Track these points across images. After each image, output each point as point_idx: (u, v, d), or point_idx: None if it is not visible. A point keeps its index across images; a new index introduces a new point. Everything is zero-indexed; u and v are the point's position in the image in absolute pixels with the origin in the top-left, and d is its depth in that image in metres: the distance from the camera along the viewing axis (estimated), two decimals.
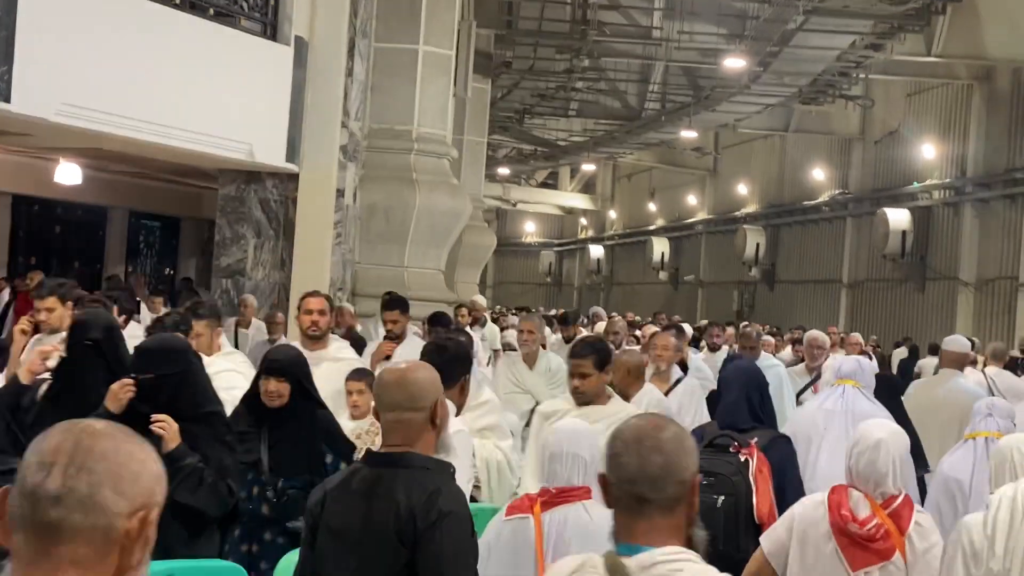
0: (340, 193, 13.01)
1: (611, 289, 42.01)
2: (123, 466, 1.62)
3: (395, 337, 7.98)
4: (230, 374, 5.63)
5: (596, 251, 42.31)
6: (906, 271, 23.96)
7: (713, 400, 7.19)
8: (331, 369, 6.11)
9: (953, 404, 7.29)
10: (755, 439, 4.81)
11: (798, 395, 8.43)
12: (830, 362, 8.14)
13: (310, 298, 6.68)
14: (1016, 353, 16.22)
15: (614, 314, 19.23)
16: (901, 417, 6.57)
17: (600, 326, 12.20)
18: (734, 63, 19.10)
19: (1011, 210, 21.31)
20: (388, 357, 7.60)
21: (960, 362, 8.20)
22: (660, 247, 36.43)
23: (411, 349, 7.69)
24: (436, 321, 10.35)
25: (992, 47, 19.92)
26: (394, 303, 8.27)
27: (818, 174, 27.84)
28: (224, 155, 11.77)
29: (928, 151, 23.43)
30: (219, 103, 11.38)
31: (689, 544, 2.34)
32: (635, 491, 2.31)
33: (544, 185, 43.20)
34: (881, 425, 4.17)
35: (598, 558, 2.33)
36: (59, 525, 1.58)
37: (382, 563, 3.13)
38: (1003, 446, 4.22)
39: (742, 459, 4.73)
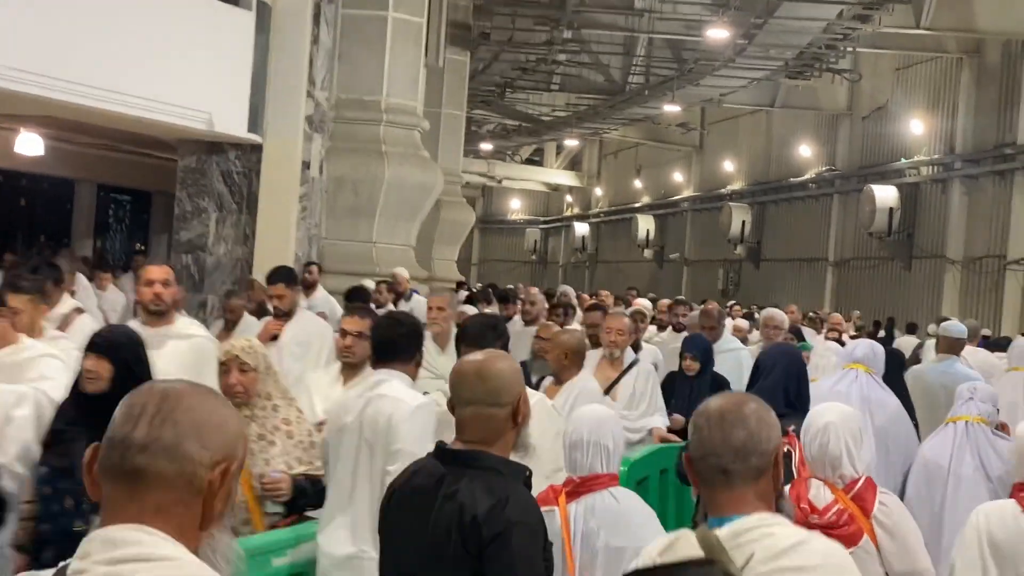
0: (306, 165, 12.59)
1: (596, 267, 41.62)
2: (207, 420, 1.71)
3: (283, 314, 7.23)
4: (47, 361, 4.73)
5: (581, 229, 41.89)
6: (892, 249, 23.60)
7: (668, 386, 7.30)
8: (177, 348, 5.46)
9: (950, 389, 7.06)
10: (792, 427, 4.69)
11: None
12: (845, 348, 7.65)
13: (151, 268, 5.78)
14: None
15: (606, 291, 18.79)
16: (904, 396, 6.80)
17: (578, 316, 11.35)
18: (717, 34, 18.62)
19: (999, 187, 20.92)
20: (275, 337, 7.06)
21: (956, 347, 8.22)
22: (645, 225, 36.03)
23: (300, 327, 7.24)
24: (354, 296, 9.86)
25: (982, 20, 19.50)
26: (279, 275, 7.42)
27: (805, 150, 27.45)
28: (182, 124, 11.33)
29: (916, 127, 23.05)
30: (177, 70, 10.94)
31: (777, 511, 2.44)
32: (720, 464, 2.42)
33: (529, 162, 42.71)
34: (830, 408, 4.10)
35: (690, 533, 2.38)
36: (144, 471, 1.67)
37: (446, 569, 2.94)
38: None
39: (784, 449, 4.53)
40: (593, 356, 6.40)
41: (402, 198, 13.10)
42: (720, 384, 7.30)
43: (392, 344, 4.38)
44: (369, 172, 12.88)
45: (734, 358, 8.38)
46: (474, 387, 3.01)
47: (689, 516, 5.04)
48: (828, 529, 3.74)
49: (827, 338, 11.47)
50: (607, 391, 6.48)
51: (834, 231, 26.46)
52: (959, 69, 22.22)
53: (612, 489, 3.91)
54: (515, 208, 47.70)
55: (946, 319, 11.06)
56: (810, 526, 3.68)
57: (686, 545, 2.36)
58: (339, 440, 4.30)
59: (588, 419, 4.01)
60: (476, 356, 3.13)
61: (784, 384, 5.19)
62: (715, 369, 7.55)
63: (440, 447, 3.08)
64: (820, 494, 3.85)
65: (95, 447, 1.71)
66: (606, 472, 3.92)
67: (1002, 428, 5.78)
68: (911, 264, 23.43)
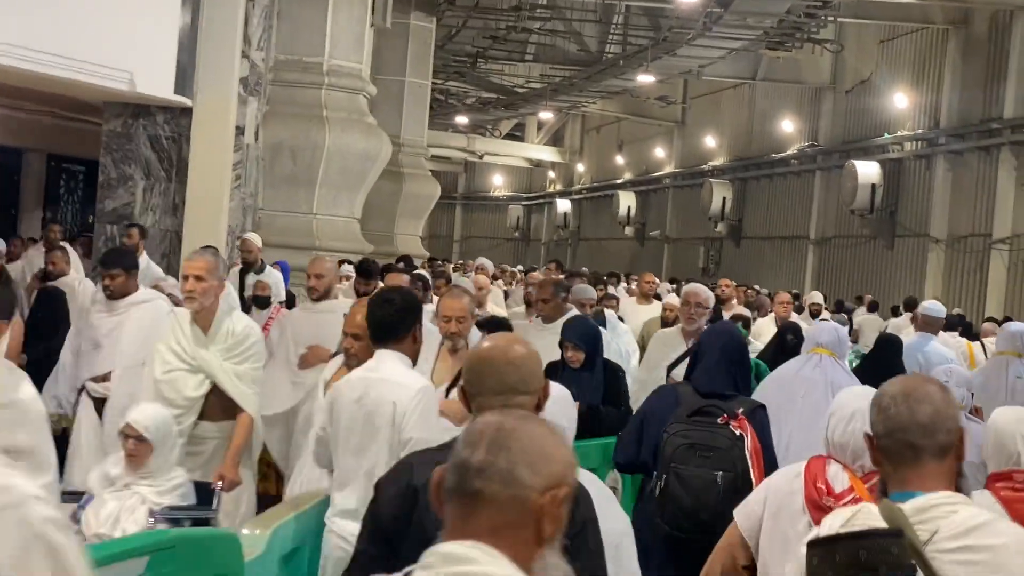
0: (240, 130, 11.88)
1: (578, 244, 40.94)
2: (539, 448, 1.86)
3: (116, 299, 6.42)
4: None
5: (563, 205, 41.15)
6: (875, 227, 23.03)
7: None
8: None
9: (924, 366, 7.69)
10: (740, 409, 4.69)
11: (671, 367, 6.64)
12: (809, 330, 7.14)
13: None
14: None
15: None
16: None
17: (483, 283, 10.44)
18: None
19: (985, 163, 20.24)
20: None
21: (934, 326, 8.87)
22: (627, 201, 35.33)
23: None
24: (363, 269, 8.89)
25: None
26: (112, 259, 6.46)
27: (787, 125, 26.76)
28: (102, 85, 10.54)
29: (900, 100, 22.37)
30: (96, 26, 10.16)
31: (957, 490, 2.52)
32: (908, 439, 2.51)
33: (511, 137, 41.87)
34: (859, 394, 3.92)
35: (871, 506, 2.48)
36: (481, 493, 1.82)
37: None
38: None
39: (736, 432, 4.63)
40: (434, 342, 5.36)
41: (344, 167, 12.36)
42: (616, 375, 6.39)
43: (385, 324, 4.40)
44: (309, 139, 12.15)
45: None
46: (506, 375, 2.83)
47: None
48: None
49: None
50: (448, 390, 5.04)
51: (816, 209, 25.90)
52: (945, 40, 21.56)
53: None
54: (498, 184, 46.98)
55: (912, 299, 12.45)
56: (821, 508, 3.54)
57: (869, 516, 2.44)
58: (342, 418, 4.34)
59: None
60: (496, 342, 2.95)
61: (727, 361, 4.94)
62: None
63: None
64: (838, 477, 3.69)
65: (442, 468, 1.88)
66: None
67: (975, 412, 5.69)
68: (894, 243, 22.86)
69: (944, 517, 2.40)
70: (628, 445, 5.09)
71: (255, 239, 10.07)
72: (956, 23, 21.02)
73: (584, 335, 6.22)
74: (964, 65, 20.99)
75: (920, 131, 22.01)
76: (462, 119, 33.39)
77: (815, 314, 11.55)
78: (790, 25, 19.98)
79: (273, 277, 9.09)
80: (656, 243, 34.39)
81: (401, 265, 10.18)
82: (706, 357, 5.00)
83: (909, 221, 22.21)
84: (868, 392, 3.86)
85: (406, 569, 1.81)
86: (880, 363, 7.24)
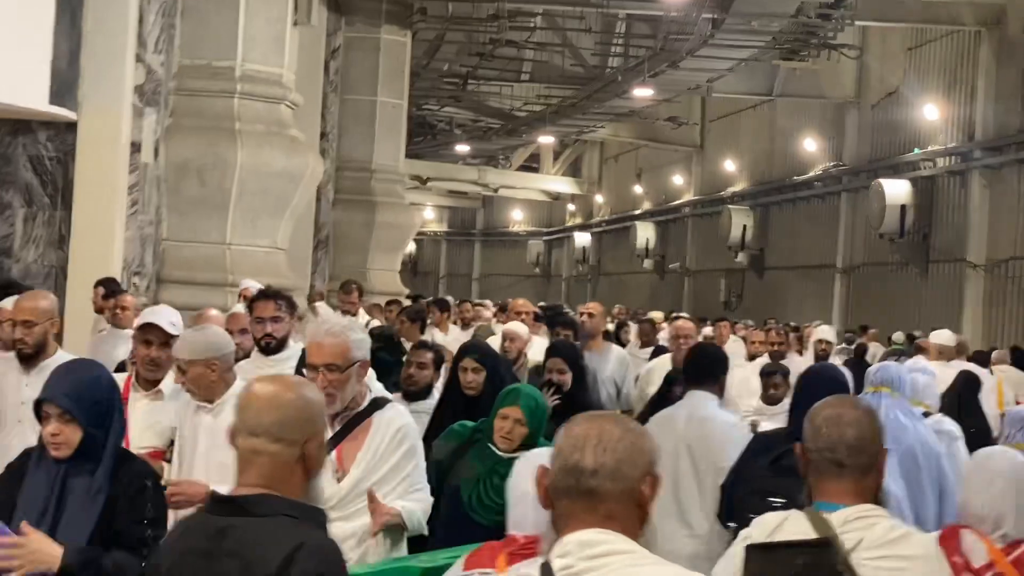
0: (135, 147, 10.24)
1: (598, 280, 39.14)
2: (632, 446, 2.28)
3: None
4: None
5: (582, 239, 39.41)
6: (906, 252, 21.31)
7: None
8: None
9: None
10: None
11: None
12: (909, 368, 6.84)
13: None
14: None
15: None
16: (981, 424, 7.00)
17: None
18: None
19: None
20: None
21: (948, 355, 9.26)
22: (645, 233, 33.56)
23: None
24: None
25: None
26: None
27: (809, 145, 25.00)
28: None
29: (931, 112, 20.59)
30: None
31: (876, 503, 2.94)
32: (834, 458, 2.91)
33: (526, 168, 40.19)
34: (998, 455, 3.81)
35: (799, 514, 2.90)
36: (597, 490, 2.25)
37: None
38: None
39: (882, 495, 4.37)
40: None
41: (262, 188, 10.64)
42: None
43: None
44: (219, 156, 10.46)
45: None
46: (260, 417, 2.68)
47: None
48: None
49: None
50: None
51: (843, 234, 24.18)
52: (978, 44, 19.91)
53: None
54: (517, 219, 45.43)
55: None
56: None
57: (798, 524, 2.88)
58: None
59: (531, 467, 3.41)
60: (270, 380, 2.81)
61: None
62: None
63: (215, 497, 2.82)
64: (975, 549, 3.51)
65: (544, 468, 2.33)
66: None
67: None
68: (927, 269, 21.15)
69: (867, 528, 2.84)
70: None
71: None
72: (988, 24, 19.31)
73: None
74: (999, 71, 19.36)
75: (953, 145, 20.36)
76: (463, 148, 31.68)
77: (821, 355, 9.49)
78: (803, 30, 18.14)
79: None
80: (676, 277, 32.61)
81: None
82: (805, 402, 4.42)
83: (944, 245, 20.59)
84: (1011, 452, 3.91)
85: (542, 558, 2.27)
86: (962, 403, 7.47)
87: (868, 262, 23.19)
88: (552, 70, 23.00)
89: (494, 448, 4.53)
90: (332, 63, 17.07)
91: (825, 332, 10.81)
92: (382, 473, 4.10)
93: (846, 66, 22.23)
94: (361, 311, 10.79)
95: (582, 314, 8.42)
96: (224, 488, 4.17)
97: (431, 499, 4.31)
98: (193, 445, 4.61)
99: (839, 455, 2.87)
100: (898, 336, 17.28)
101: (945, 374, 8.04)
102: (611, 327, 12.50)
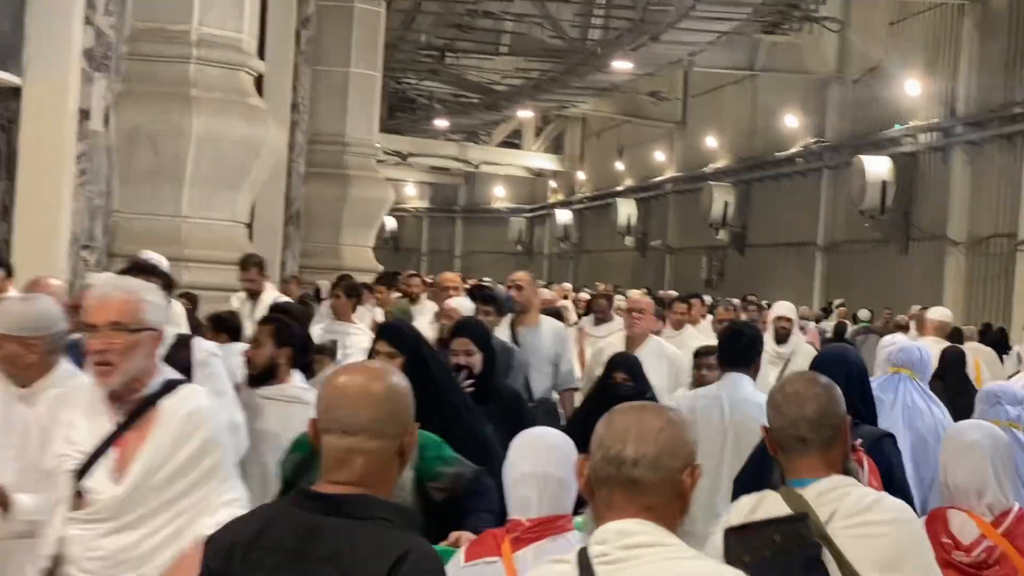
0: (84, 115, 9.85)
1: (580, 258, 38.88)
2: (673, 437, 2.32)
3: None
4: None
5: (563, 216, 39.10)
6: (887, 230, 21.17)
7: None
8: None
9: None
10: (859, 440, 4.15)
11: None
12: (886, 344, 6.86)
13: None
14: None
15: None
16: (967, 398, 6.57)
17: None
18: None
19: (1008, 154, 18.48)
20: None
21: (943, 331, 8.98)
22: (626, 210, 33.32)
23: None
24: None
25: None
26: None
27: (791, 120, 24.82)
28: None
29: (912, 88, 20.35)
30: None
31: (846, 474, 3.01)
32: (797, 434, 2.99)
33: (508, 145, 39.84)
34: (974, 426, 3.94)
35: (774, 493, 2.97)
36: (639, 481, 2.29)
37: None
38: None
39: (850, 465, 4.31)
40: None
41: (220, 158, 10.30)
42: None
43: None
44: (173, 123, 10.12)
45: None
46: (361, 412, 2.49)
47: None
48: (975, 570, 3.63)
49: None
50: None
51: (824, 211, 24.12)
52: (960, 18, 19.78)
53: (569, 535, 3.36)
54: (499, 196, 45.07)
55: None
56: (954, 566, 3.59)
57: (773, 503, 2.95)
58: None
59: (530, 447, 3.45)
60: (354, 369, 2.63)
61: (846, 388, 4.20)
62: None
63: (302, 491, 2.49)
64: (965, 528, 3.63)
65: (584, 458, 2.36)
66: (561, 513, 3.39)
67: None
68: (908, 247, 21.06)
69: (840, 499, 2.91)
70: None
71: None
72: None
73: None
74: (982, 45, 19.26)
75: (935, 120, 20.20)
76: (443, 123, 31.31)
77: (781, 333, 8.79)
78: (785, 2, 17.87)
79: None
80: (658, 253, 32.39)
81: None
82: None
83: (924, 222, 20.49)
84: (986, 424, 3.99)
85: (580, 546, 2.30)
86: (951, 382, 7.30)
87: (848, 239, 23.11)
88: (531, 42, 22.68)
89: None
90: (303, 32, 16.71)
91: (784, 308, 9.75)
92: (167, 472, 3.41)
93: (828, 40, 22.02)
94: (268, 286, 10.06)
95: (509, 287, 7.50)
96: (28, 495, 3.70)
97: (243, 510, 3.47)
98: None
99: (802, 431, 2.95)
100: (863, 313, 17.12)
101: (939, 351, 7.92)
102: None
